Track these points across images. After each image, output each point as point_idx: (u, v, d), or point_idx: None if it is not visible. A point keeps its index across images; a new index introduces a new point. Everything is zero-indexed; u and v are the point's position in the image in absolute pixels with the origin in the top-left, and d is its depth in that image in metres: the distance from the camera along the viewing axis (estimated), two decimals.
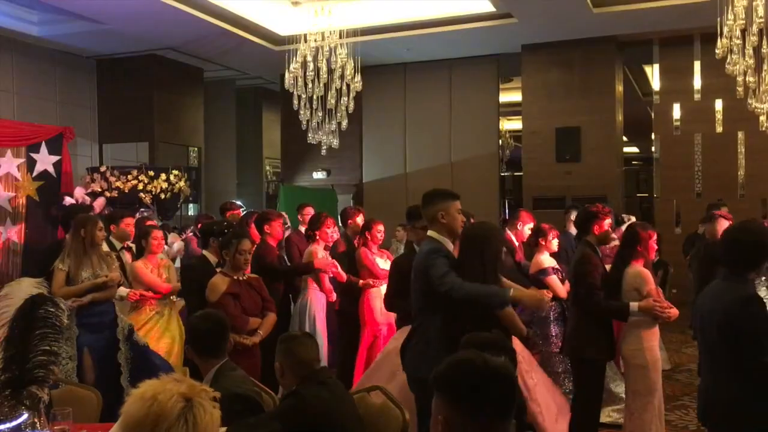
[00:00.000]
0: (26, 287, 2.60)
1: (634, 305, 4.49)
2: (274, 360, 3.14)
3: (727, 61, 6.80)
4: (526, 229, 6.28)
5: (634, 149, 19.10)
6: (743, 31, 6.59)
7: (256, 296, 4.83)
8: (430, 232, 3.91)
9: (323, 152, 9.01)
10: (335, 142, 8.83)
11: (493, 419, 1.73)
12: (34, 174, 9.84)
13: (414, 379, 3.87)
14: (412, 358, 3.92)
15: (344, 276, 6.02)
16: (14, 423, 2.36)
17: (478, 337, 2.86)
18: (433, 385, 1.77)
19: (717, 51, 6.68)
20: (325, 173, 12.70)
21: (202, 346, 3.26)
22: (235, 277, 4.75)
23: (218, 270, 4.98)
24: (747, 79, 7.19)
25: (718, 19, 6.60)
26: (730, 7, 6.45)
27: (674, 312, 4.51)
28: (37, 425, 2.41)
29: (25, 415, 2.38)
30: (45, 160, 9.94)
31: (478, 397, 1.71)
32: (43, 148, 9.95)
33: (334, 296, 6.14)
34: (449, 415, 1.71)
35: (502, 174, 12.94)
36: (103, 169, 9.73)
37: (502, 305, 3.58)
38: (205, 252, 5.55)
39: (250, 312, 4.73)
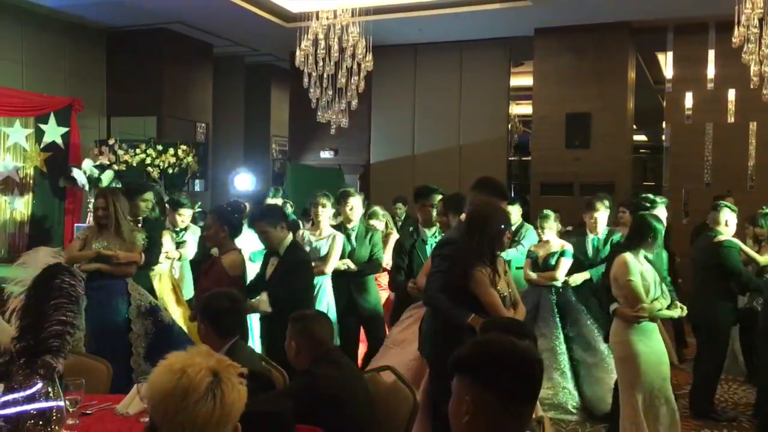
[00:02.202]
0: (43, 256, 2.58)
1: (613, 308, 4.49)
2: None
3: (744, 49, 6.72)
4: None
5: (642, 137, 19.00)
6: (761, 20, 6.51)
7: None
8: (463, 216, 3.96)
9: (332, 131, 8.98)
10: (344, 122, 8.79)
11: (521, 401, 1.73)
12: (42, 145, 9.86)
13: (429, 361, 3.91)
14: (425, 341, 3.95)
15: None
16: (29, 392, 2.36)
17: (500, 322, 2.85)
18: (457, 367, 1.76)
19: (734, 40, 6.61)
20: (332, 152, 12.65)
21: (220, 324, 3.27)
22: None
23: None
24: (763, 68, 7.12)
25: (736, 7, 6.53)
26: None
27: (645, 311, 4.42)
28: (51, 395, 2.40)
29: (40, 384, 2.38)
30: (53, 132, 9.95)
31: (508, 379, 1.70)
32: (52, 119, 9.96)
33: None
34: (477, 397, 1.69)
35: (510, 158, 12.88)
36: (111, 141, 9.71)
37: (459, 326, 3.57)
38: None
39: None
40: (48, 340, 2.40)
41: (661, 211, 5.74)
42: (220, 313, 3.28)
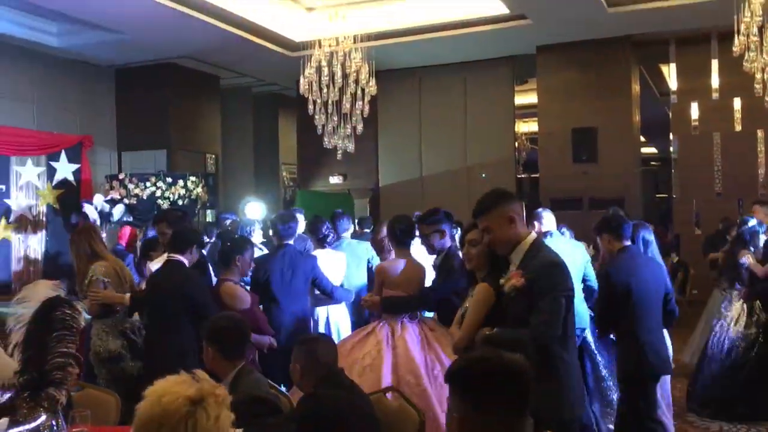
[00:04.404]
0: (43, 290, 2.63)
1: None
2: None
3: (745, 58, 6.75)
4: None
5: (652, 149, 18.96)
6: (761, 28, 6.53)
7: None
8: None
9: (339, 157, 9.04)
10: (351, 147, 8.86)
11: (507, 416, 1.72)
12: (54, 182, 10.01)
13: None
14: None
15: None
16: (33, 425, 2.39)
17: (496, 336, 2.85)
18: (448, 381, 1.77)
19: (734, 48, 6.64)
20: (341, 177, 12.72)
21: (229, 347, 3.27)
22: (241, 284, 4.71)
23: (224, 279, 4.68)
24: (765, 76, 7.14)
25: (735, 16, 6.56)
26: (746, 4, 6.42)
27: None
28: (55, 427, 2.43)
29: (44, 417, 2.41)
30: (65, 169, 10.11)
31: (492, 393, 1.70)
32: (63, 157, 10.13)
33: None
34: (464, 411, 1.71)
35: (519, 176, 12.88)
36: (121, 176, 9.83)
37: None
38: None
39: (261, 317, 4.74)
40: (51, 373, 2.43)
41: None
42: (225, 334, 3.28)
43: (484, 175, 11.82)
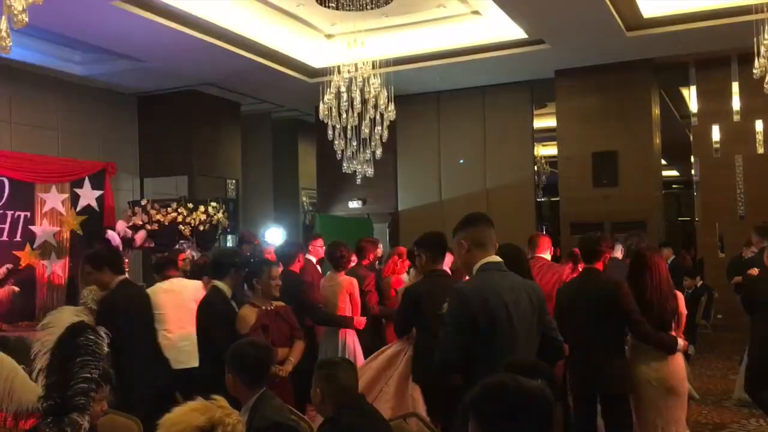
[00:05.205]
0: (67, 316, 2.66)
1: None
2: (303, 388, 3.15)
3: (766, 80, 6.71)
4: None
5: (674, 173, 18.82)
6: None
7: (285, 325, 4.66)
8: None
9: (358, 181, 9.10)
10: (370, 171, 8.91)
11: None
12: (78, 209, 10.13)
13: None
14: None
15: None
16: None
17: (517, 362, 2.82)
18: (468, 408, 1.75)
19: (755, 71, 6.62)
20: (360, 202, 12.76)
21: (250, 373, 3.27)
22: (264, 307, 4.60)
23: (247, 302, 4.72)
24: None
25: (755, 38, 6.55)
26: (766, 27, 6.41)
27: None
28: None
29: None
30: (88, 195, 10.24)
31: (509, 421, 1.67)
32: (87, 184, 10.26)
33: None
34: None
35: (539, 200, 12.83)
36: (143, 202, 9.93)
37: None
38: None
39: (278, 343, 4.52)
40: (74, 398, 2.45)
41: None
42: (246, 362, 3.28)
43: (462, 161, 11.86)
